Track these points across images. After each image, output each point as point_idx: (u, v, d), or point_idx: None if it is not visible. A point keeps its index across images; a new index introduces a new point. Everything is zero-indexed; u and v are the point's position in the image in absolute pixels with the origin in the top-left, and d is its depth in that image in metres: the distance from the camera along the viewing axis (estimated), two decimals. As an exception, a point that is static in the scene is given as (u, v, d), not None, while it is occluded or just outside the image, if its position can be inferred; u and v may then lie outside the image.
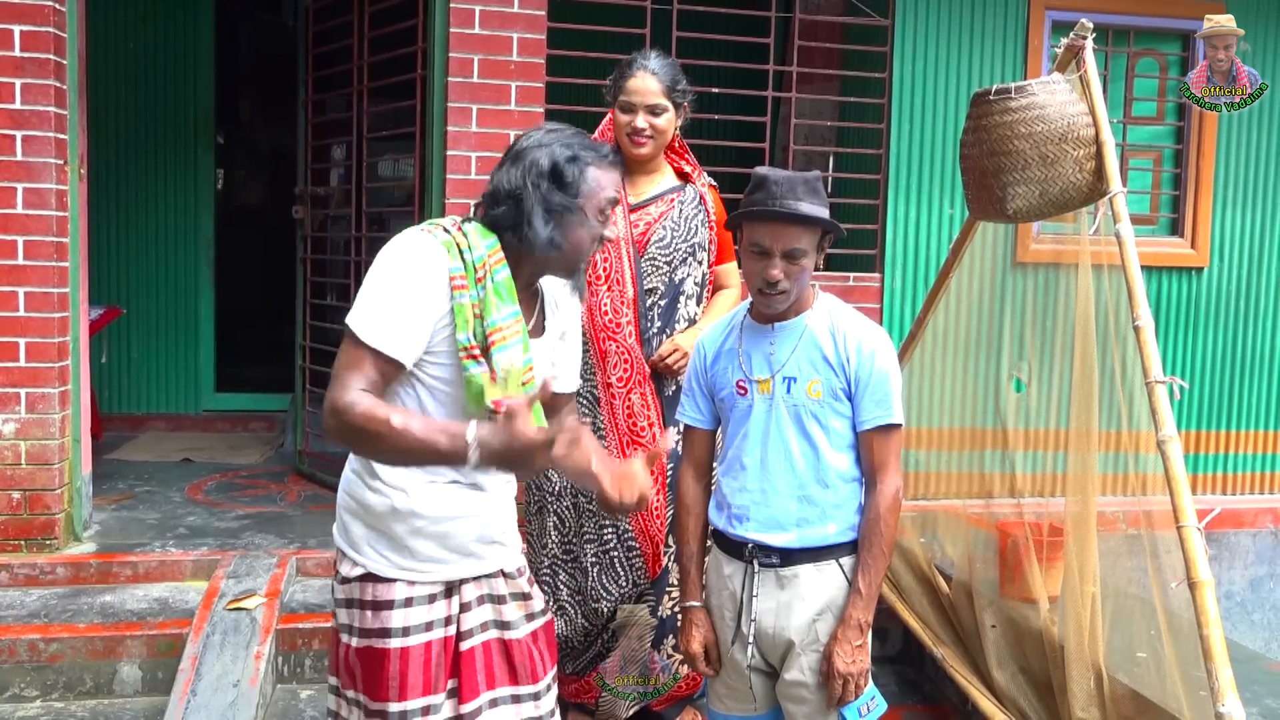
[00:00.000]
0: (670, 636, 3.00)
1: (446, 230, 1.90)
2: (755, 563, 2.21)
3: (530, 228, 1.87)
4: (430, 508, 1.91)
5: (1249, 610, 4.86)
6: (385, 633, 1.90)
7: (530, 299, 2.02)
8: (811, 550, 2.19)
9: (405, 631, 1.91)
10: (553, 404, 2.04)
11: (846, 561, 2.21)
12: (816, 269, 2.20)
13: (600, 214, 1.96)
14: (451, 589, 1.96)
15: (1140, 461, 2.46)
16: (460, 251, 1.86)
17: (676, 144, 3.05)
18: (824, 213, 2.13)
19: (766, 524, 2.20)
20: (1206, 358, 4.87)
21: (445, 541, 1.93)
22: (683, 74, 2.96)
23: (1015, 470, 3.17)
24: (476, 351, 1.84)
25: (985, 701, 2.84)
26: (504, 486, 2.03)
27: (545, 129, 1.97)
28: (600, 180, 1.94)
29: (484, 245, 1.89)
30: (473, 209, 1.99)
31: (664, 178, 3.04)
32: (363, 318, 1.80)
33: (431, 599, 1.94)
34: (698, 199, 3.03)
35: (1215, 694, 1.92)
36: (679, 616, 2.97)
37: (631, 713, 3.07)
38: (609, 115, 3.02)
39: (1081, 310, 2.64)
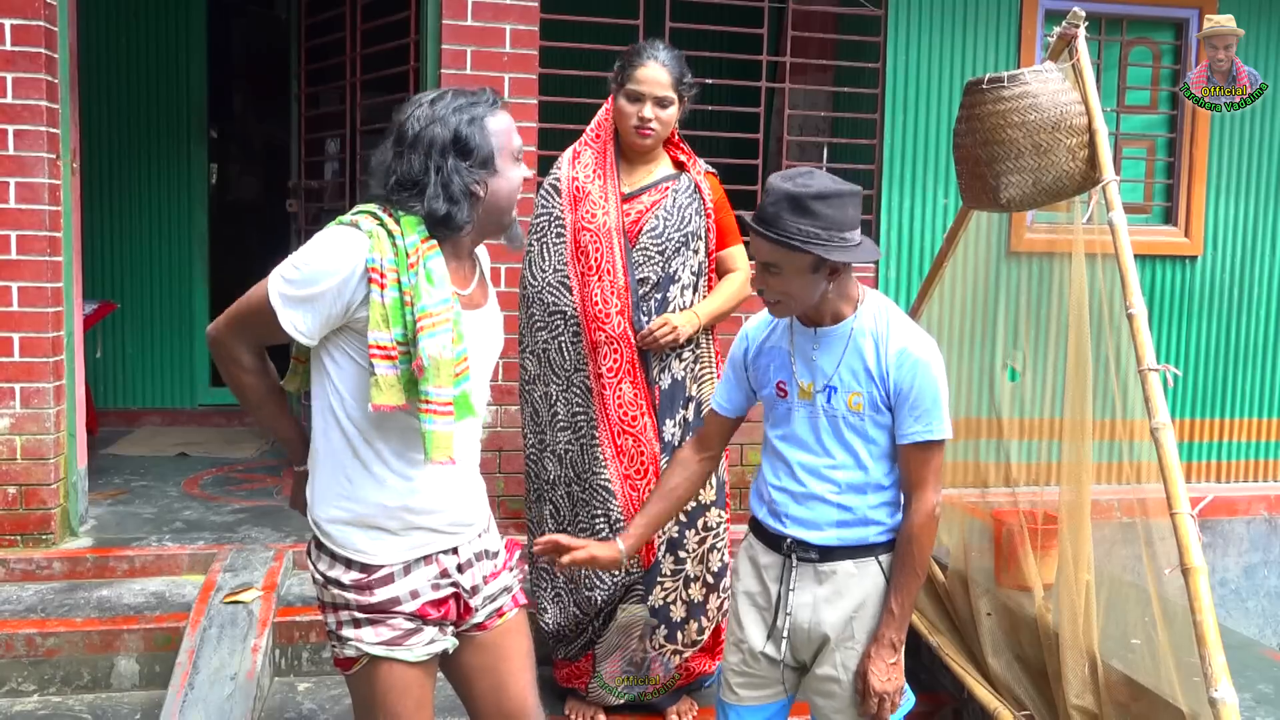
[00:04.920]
0: (662, 626, 2.99)
1: (378, 217, 1.85)
2: (794, 557, 2.17)
3: (455, 205, 1.84)
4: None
5: (1243, 597, 4.88)
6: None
7: (469, 269, 2.00)
8: (851, 548, 2.15)
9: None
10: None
11: (886, 559, 2.17)
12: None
13: (515, 160, 1.94)
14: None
15: (1134, 449, 2.46)
16: (392, 238, 1.83)
17: (673, 136, 3.03)
18: (788, 232, 1.99)
19: (805, 524, 2.16)
20: (1200, 346, 4.89)
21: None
22: (688, 68, 2.95)
23: (1010, 459, 3.17)
24: (394, 351, 1.81)
25: (981, 689, 2.85)
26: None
27: (427, 101, 1.90)
28: (501, 127, 1.91)
29: (416, 233, 1.85)
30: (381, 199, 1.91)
31: (660, 167, 3.01)
32: (277, 281, 1.85)
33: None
34: (692, 187, 2.99)
35: (1209, 679, 1.92)
36: (670, 607, 2.98)
37: (624, 700, 3.09)
38: (607, 103, 2.99)
39: (1075, 299, 2.64)
